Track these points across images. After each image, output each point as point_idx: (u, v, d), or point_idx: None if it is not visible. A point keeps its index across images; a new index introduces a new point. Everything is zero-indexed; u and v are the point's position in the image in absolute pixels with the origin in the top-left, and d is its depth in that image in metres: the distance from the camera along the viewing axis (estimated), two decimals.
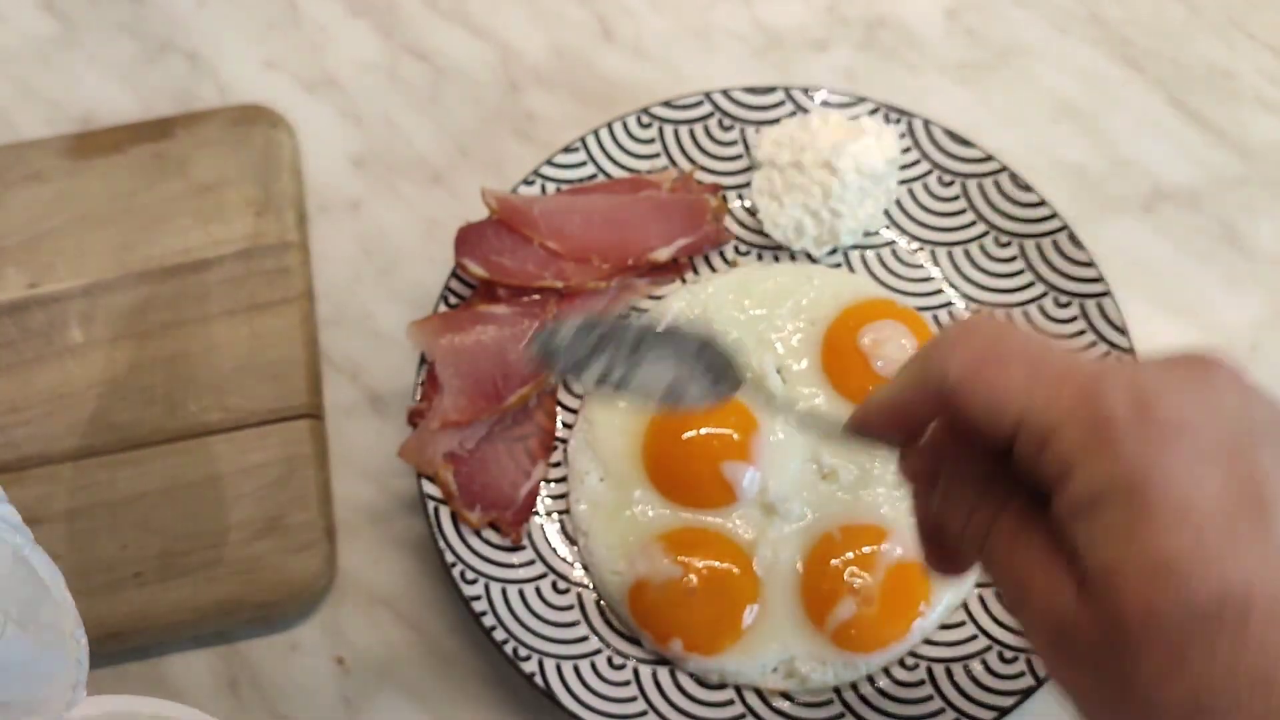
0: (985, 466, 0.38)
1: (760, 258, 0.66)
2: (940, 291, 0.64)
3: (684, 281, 0.65)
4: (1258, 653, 0.32)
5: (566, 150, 0.66)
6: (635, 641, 0.57)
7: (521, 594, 0.57)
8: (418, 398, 0.60)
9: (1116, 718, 0.35)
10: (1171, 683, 0.33)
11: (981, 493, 0.38)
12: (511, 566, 0.58)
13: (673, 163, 0.67)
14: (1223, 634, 0.32)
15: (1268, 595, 0.32)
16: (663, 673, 0.56)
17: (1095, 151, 0.72)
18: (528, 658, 0.55)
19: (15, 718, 0.40)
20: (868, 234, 0.66)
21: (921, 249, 0.66)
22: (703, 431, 0.59)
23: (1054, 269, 0.63)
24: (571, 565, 0.59)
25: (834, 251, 0.65)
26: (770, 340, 0.62)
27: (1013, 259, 0.64)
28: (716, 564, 0.57)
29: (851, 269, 0.65)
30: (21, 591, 0.39)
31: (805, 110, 0.67)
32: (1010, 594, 0.38)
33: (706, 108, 0.68)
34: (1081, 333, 0.62)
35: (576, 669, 0.56)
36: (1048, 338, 0.38)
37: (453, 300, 0.63)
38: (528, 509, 0.59)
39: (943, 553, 0.42)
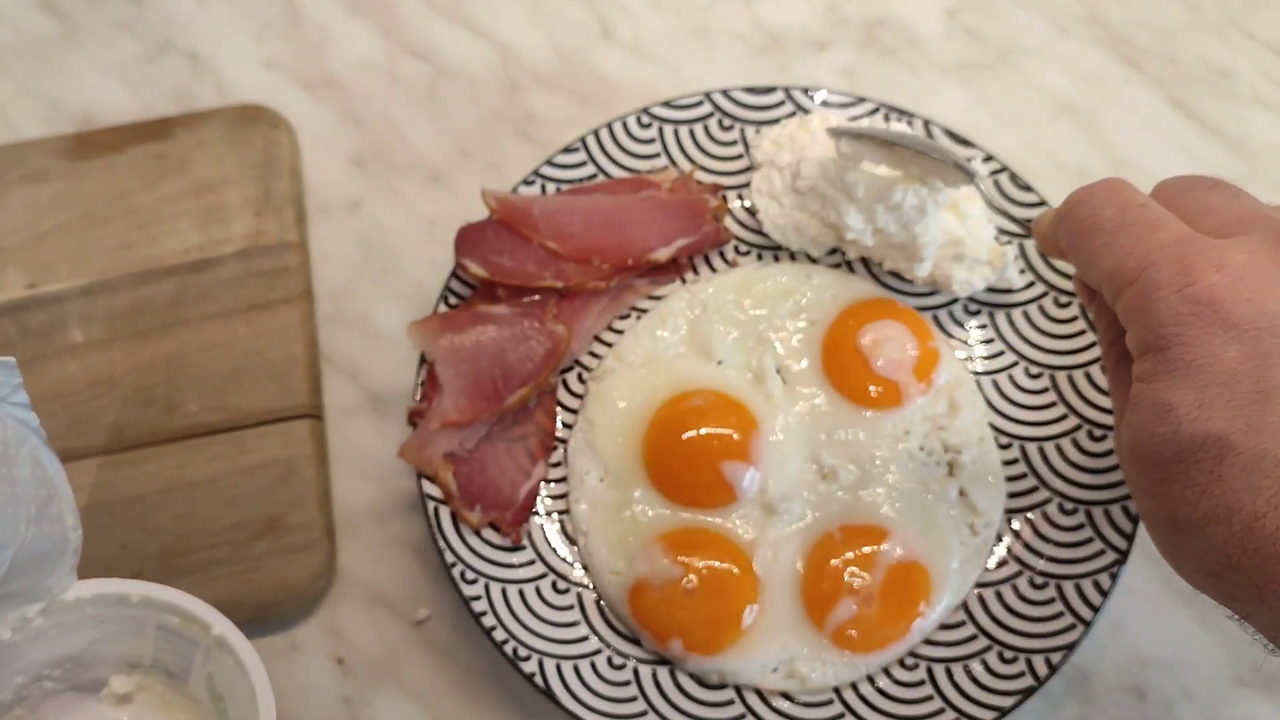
0: None
1: (760, 258, 0.66)
2: (940, 291, 0.64)
3: (684, 281, 0.65)
4: (1226, 488, 0.40)
5: (566, 150, 0.66)
6: (635, 641, 0.57)
7: (521, 594, 0.57)
8: (418, 398, 0.60)
9: (1139, 507, 0.45)
10: (1155, 498, 0.43)
11: (1110, 322, 0.48)
12: (511, 566, 0.58)
13: (673, 163, 0.67)
14: (1200, 468, 0.41)
15: (1247, 447, 0.40)
16: (663, 673, 0.56)
17: (1095, 151, 0.72)
18: (528, 658, 0.55)
19: (23, 603, 0.44)
20: None
21: None
22: (703, 431, 0.60)
23: (1054, 268, 0.63)
24: (571, 565, 0.59)
25: (834, 251, 0.65)
26: (770, 340, 0.62)
27: (1015, 258, 0.64)
28: (716, 564, 0.57)
29: (851, 269, 0.65)
30: (37, 490, 0.43)
31: (805, 110, 0.67)
32: (1111, 397, 0.49)
33: (706, 108, 0.67)
34: (1081, 332, 0.62)
35: (576, 669, 0.56)
36: (1146, 203, 0.46)
37: (453, 300, 0.63)
38: (527, 509, 0.59)
39: None
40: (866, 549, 0.57)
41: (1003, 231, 0.64)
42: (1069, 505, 0.58)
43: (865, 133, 0.61)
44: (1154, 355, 0.43)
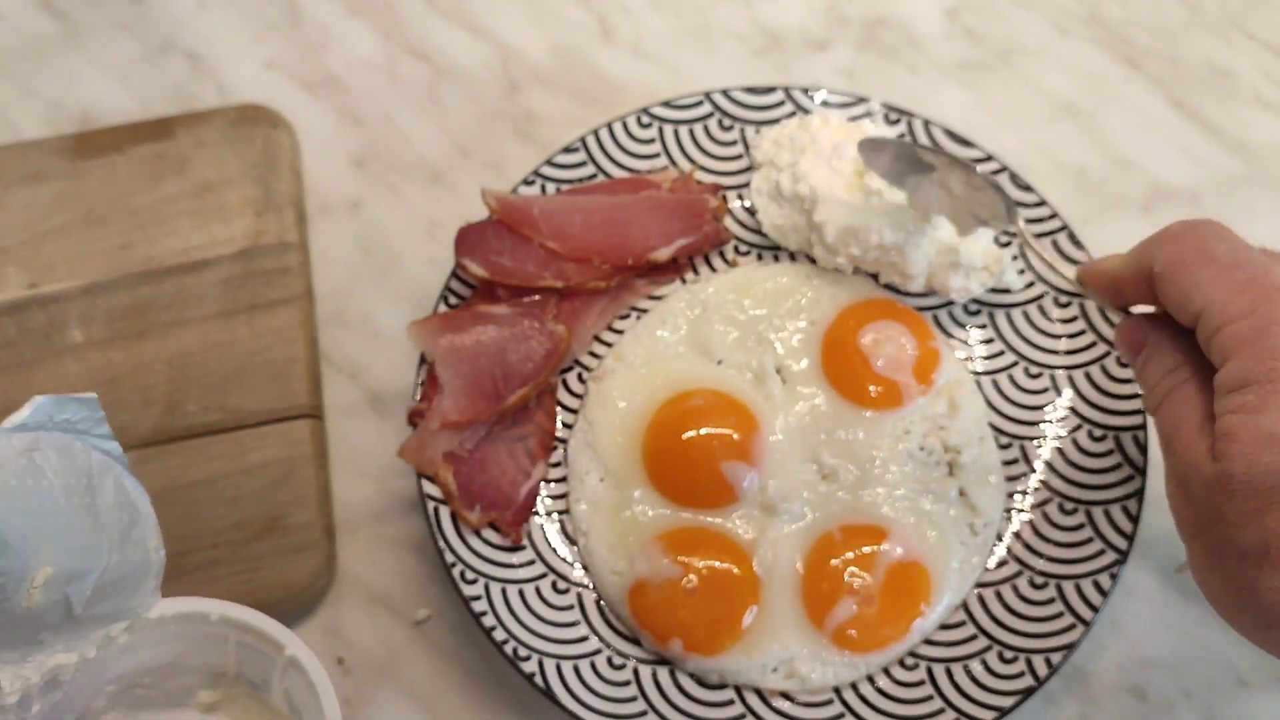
0: (1183, 341, 0.50)
1: (760, 258, 0.66)
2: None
3: (684, 281, 0.65)
4: None
5: (566, 150, 0.66)
6: (635, 641, 0.57)
7: (521, 594, 0.57)
8: (418, 398, 0.60)
9: (1207, 547, 0.46)
10: (1244, 528, 0.43)
11: (1175, 364, 0.50)
12: (511, 566, 0.58)
13: (673, 163, 0.67)
14: None
15: None
16: (663, 673, 0.56)
17: (1095, 151, 0.72)
18: (528, 658, 0.55)
19: (108, 624, 0.46)
20: None
21: None
22: (703, 431, 0.60)
23: (1054, 270, 0.63)
24: (571, 565, 0.59)
25: None
26: (770, 340, 0.62)
27: (1013, 259, 0.64)
28: (716, 564, 0.57)
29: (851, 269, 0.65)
30: (120, 517, 0.45)
31: (805, 110, 0.67)
32: (1164, 438, 0.49)
33: (706, 108, 0.67)
34: (1081, 332, 0.62)
35: (576, 669, 0.56)
36: (1252, 250, 0.48)
37: (453, 300, 0.63)
38: (527, 509, 0.59)
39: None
40: (866, 549, 0.57)
41: (1002, 231, 0.64)
42: (1069, 505, 0.58)
43: (897, 145, 0.60)
44: (1260, 387, 0.44)
